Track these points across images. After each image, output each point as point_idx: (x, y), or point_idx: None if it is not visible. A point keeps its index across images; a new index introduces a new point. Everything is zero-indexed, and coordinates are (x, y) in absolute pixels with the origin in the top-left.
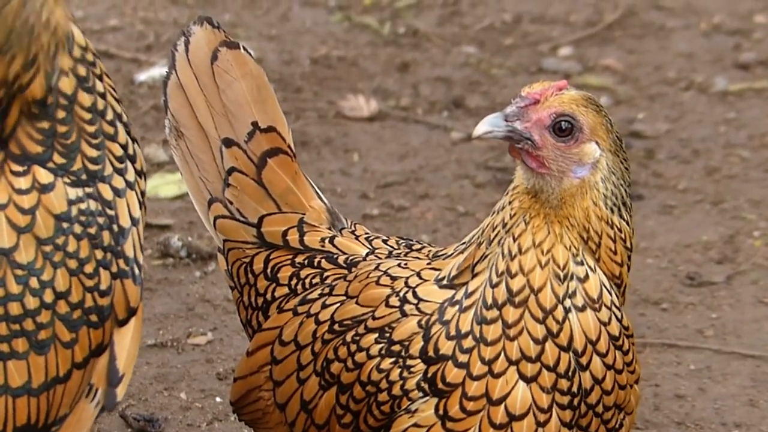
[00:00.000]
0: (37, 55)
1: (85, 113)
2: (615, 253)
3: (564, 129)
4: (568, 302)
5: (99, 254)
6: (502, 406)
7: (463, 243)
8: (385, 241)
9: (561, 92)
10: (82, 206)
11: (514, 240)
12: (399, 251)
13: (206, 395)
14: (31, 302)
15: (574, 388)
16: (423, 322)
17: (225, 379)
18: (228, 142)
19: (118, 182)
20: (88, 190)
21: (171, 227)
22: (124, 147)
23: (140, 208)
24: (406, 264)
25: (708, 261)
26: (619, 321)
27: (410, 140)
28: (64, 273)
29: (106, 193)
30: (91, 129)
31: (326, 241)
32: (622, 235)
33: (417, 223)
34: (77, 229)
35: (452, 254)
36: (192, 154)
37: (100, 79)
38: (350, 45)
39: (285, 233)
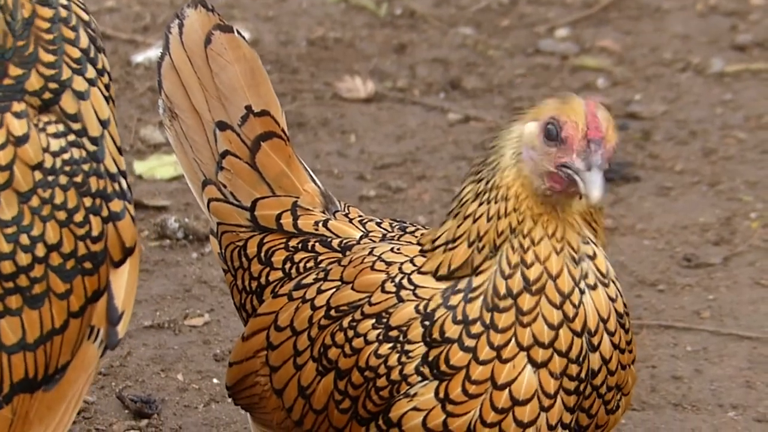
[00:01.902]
0: None
1: (44, 23)
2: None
3: (615, 151)
4: (582, 284)
5: (87, 201)
6: (507, 390)
7: (444, 243)
8: (378, 224)
9: (604, 117)
10: (66, 156)
11: (525, 236)
12: (393, 234)
13: (203, 376)
14: (24, 259)
15: (583, 374)
16: (421, 307)
17: (222, 360)
18: (222, 126)
19: (79, 84)
20: (71, 138)
21: (167, 208)
22: (85, 51)
23: (108, 104)
24: (399, 249)
25: (705, 242)
26: (622, 296)
27: (407, 121)
28: (54, 225)
29: (69, 105)
30: (48, 37)
31: (320, 224)
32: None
33: (414, 204)
34: (63, 180)
35: (433, 249)
36: (186, 135)
37: None
38: (347, 26)
39: (279, 217)
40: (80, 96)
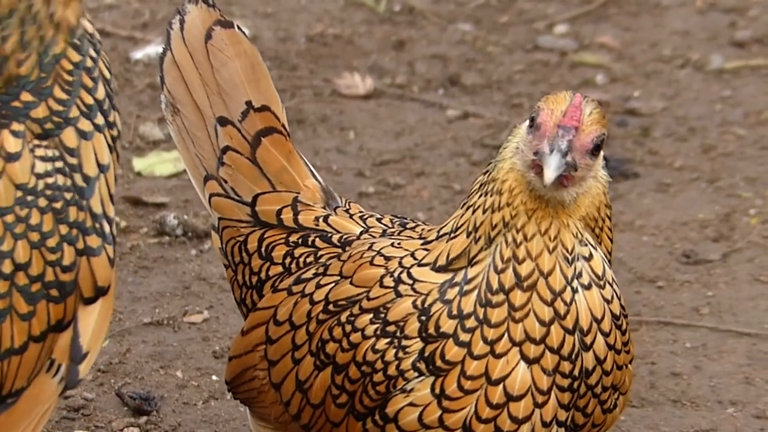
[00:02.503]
0: (32, 40)
1: (68, 65)
2: (611, 230)
3: (598, 147)
4: (575, 283)
5: (63, 229)
6: (501, 386)
7: (448, 233)
8: (379, 220)
9: (589, 111)
10: (50, 180)
11: (518, 231)
12: (393, 230)
13: (202, 373)
14: None
15: (576, 372)
16: (418, 303)
17: (221, 357)
18: (223, 121)
19: (85, 125)
20: (58, 165)
21: (167, 205)
22: (99, 102)
23: (111, 153)
24: (399, 244)
25: (704, 239)
26: (619, 299)
27: (406, 118)
28: (25, 245)
29: (70, 139)
30: (68, 78)
31: (320, 220)
32: (611, 213)
33: (413, 200)
34: (42, 202)
35: (438, 238)
36: (188, 131)
37: (95, 46)
38: (346, 23)
39: (279, 212)
40: (83, 135)
